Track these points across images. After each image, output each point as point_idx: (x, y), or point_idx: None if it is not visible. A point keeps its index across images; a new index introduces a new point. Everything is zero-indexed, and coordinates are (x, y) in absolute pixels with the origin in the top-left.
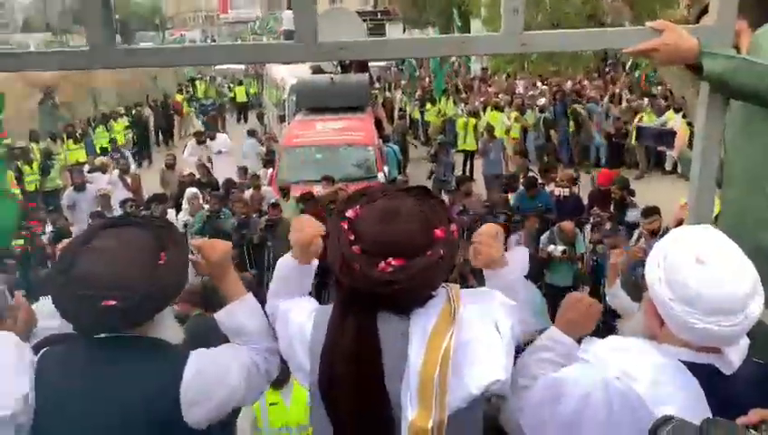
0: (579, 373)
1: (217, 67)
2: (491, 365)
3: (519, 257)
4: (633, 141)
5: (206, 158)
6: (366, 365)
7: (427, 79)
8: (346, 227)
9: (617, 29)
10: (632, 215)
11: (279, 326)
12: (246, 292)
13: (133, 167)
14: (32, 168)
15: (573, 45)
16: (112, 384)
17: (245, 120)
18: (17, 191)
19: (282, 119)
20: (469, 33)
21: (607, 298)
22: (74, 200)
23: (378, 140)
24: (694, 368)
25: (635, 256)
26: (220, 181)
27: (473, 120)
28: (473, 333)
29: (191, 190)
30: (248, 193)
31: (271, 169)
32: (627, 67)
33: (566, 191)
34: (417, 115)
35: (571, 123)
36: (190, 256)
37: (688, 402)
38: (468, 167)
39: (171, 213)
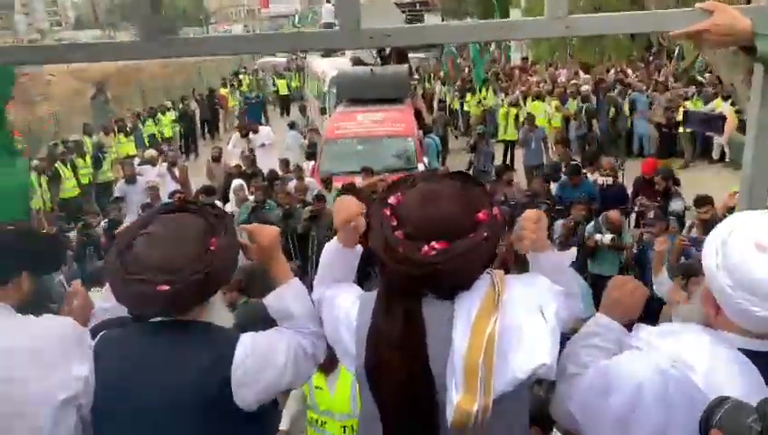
0: (632, 361)
1: (260, 61)
2: (536, 350)
3: (565, 254)
4: (681, 129)
5: (249, 150)
6: (411, 349)
7: (466, 69)
8: (388, 213)
9: (664, 11)
10: (676, 205)
11: (325, 312)
12: (293, 276)
13: (181, 159)
14: (85, 161)
15: (619, 28)
16: (166, 367)
17: (288, 113)
18: (73, 184)
19: (323, 111)
20: None
21: (654, 287)
22: (125, 192)
23: (418, 130)
24: (753, 356)
25: (681, 244)
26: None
27: (513, 110)
28: (518, 318)
29: (237, 182)
30: (292, 184)
31: (313, 162)
32: (674, 55)
33: (609, 180)
34: (456, 106)
35: (611, 111)
36: (240, 240)
37: (747, 390)
38: (509, 157)
39: (218, 205)
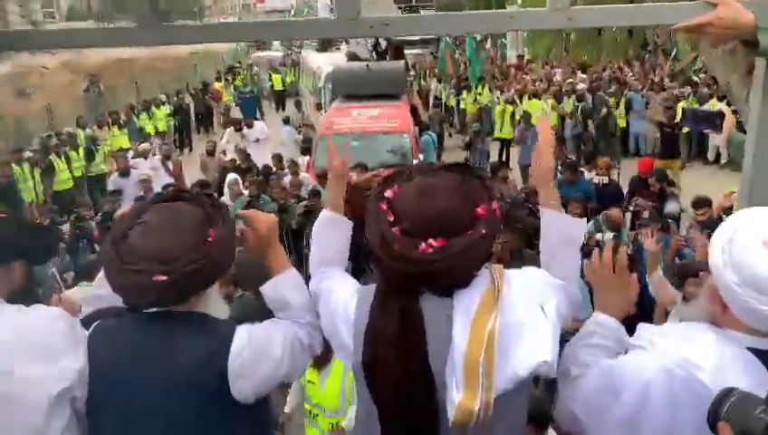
0: (638, 361)
1: (255, 55)
2: (537, 347)
3: (577, 219)
4: (684, 130)
5: (243, 145)
6: (408, 347)
7: (462, 66)
8: (385, 207)
9: (667, 3)
10: (672, 206)
11: (322, 304)
12: (290, 266)
13: (175, 153)
14: (78, 154)
15: (621, 21)
16: (162, 358)
17: (283, 109)
18: (67, 176)
19: (318, 106)
20: None
21: (649, 287)
22: (119, 185)
23: (413, 127)
24: (760, 354)
25: (677, 244)
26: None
27: (509, 108)
28: (518, 315)
29: (231, 176)
30: (287, 179)
31: (308, 157)
32: (670, 54)
33: (605, 179)
34: (452, 103)
35: (603, 111)
36: (238, 226)
37: (755, 389)
38: (504, 155)
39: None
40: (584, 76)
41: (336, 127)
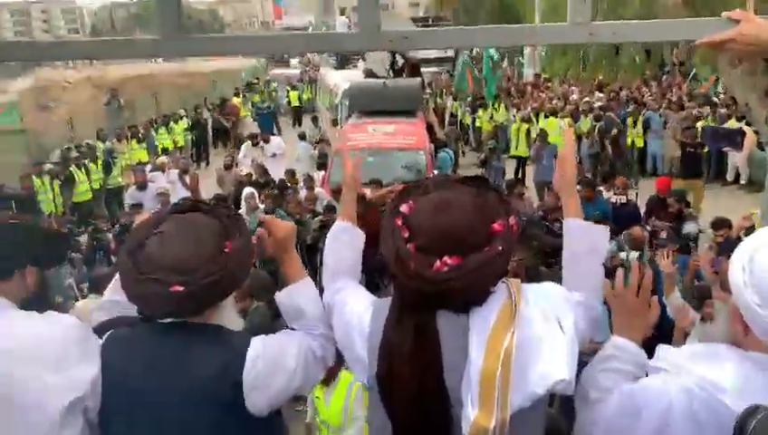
0: (658, 384)
1: (273, 72)
2: (555, 364)
3: (599, 227)
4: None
5: (260, 160)
6: (425, 362)
7: (483, 82)
8: (400, 222)
9: (690, 19)
10: (690, 227)
11: (336, 317)
12: (306, 275)
13: (192, 167)
14: (97, 166)
15: (643, 36)
16: (176, 369)
17: (300, 124)
18: (86, 188)
19: (334, 123)
20: None
21: (667, 308)
22: (137, 198)
23: (429, 144)
24: None
25: (695, 265)
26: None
27: (525, 126)
28: (535, 331)
29: (248, 190)
30: (302, 194)
31: (323, 172)
32: (689, 76)
33: (623, 198)
34: (468, 121)
35: (614, 131)
36: (259, 230)
37: None
38: (520, 173)
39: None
40: (601, 95)
41: (352, 142)
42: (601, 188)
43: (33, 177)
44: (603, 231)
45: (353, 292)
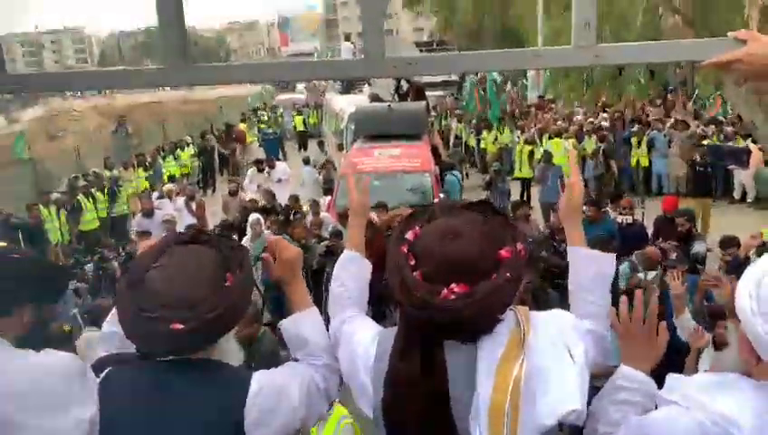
0: (670, 418)
1: (279, 97)
2: (565, 394)
3: (605, 254)
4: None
5: (267, 185)
6: (431, 393)
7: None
8: (406, 250)
9: (696, 40)
10: (699, 247)
11: (342, 348)
12: (312, 304)
13: (199, 194)
14: (104, 194)
15: (649, 57)
16: (177, 409)
17: (305, 149)
18: (94, 217)
19: (340, 147)
20: None
21: (677, 329)
22: (143, 226)
23: (434, 166)
24: None
25: (704, 285)
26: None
27: (527, 148)
28: (545, 360)
29: (254, 216)
30: (308, 219)
31: (329, 197)
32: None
33: (629, 218)
34: (473, 143)
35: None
36: (263, 255)
37: None
38: (525, 195)
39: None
40: (606, 115)
41: (358, 166)
42: (607, 208)
43: (41, 206)
44: (609, 259)
45: (360, 323)
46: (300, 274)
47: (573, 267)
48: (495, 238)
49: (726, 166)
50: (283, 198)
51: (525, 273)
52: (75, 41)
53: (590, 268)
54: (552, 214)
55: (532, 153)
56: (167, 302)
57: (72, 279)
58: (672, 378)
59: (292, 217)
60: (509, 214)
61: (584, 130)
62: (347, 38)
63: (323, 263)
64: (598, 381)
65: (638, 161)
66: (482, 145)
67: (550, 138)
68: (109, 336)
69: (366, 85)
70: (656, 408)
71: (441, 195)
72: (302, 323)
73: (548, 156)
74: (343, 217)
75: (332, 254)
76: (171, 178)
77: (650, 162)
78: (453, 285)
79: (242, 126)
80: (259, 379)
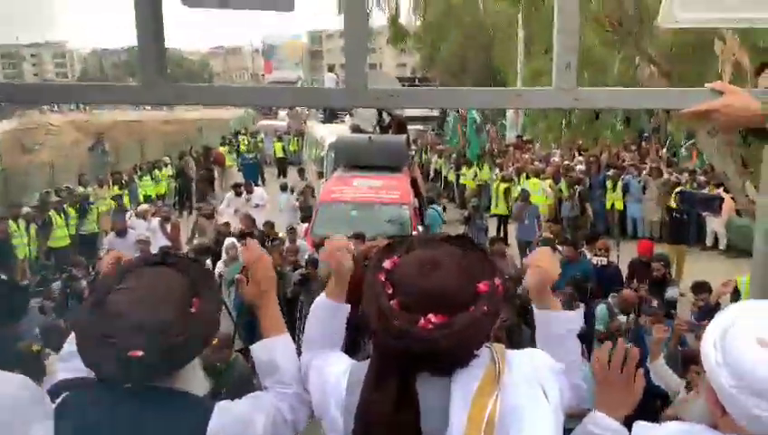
0: None
1: (260, 123)
2: (538, 433)
3: (575, 313)
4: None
5: (243, 210)
6: (404, 427)
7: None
8: (383, 278)
9: (675, 88)
10: (672, 292)
11: (312, 381)
12: (285, 330)
13: (174, 215)
14: (76, 211)
15: (628, 103)
16: None
17: (284, 175)
18: (64, 233)
19: (320, 175)
20: None
21: (651, 374)
22: (115, 246)
23: (414, 199)
24: None
25: (679, 330)
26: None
27: (503, 186)
28: (519, 399)
29: (229, 240)
30: (285, 246)
31: (307, 224)
32: (665, 142)
33: (604, 260)
34: (452, 178)
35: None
36: (237, 276)
37: None
38: (502, 232)
39: (207, 263)
40: (581, 158)
41: (336, 196)
42: (583, 249)
43: (10, 220)
44: (575, 317)
45: (331, 355)
46: (274, 296)
47: (539, 327)
48: (474, 271)
49: (699, 213)
50: (259, 224)
51: (502, 308)
52: (56, 55)
53: (558, 329)
54: (528, 251)
55: (507, 190)
56: (127, 326)
57: (36, 297)
58: (639, 426)
59: (269, 243)
60: (487, 249)
61: (560, 172)
62: (330, 69)
63: (298, 292)
64: (570, 422)
65: (612, 205)
66: (461, 180)
67: (527, 177)
68: (68, 357)
69: (348, 116)
70: None
71: (419, 227)
72: (274, 349)
73: (525, 195)
74: (320, 245)
75: (307, 282)
76: (147, 199)
77: (625, 206)
78: (431, 315)
79: (221, 149)
80: (222, 411)
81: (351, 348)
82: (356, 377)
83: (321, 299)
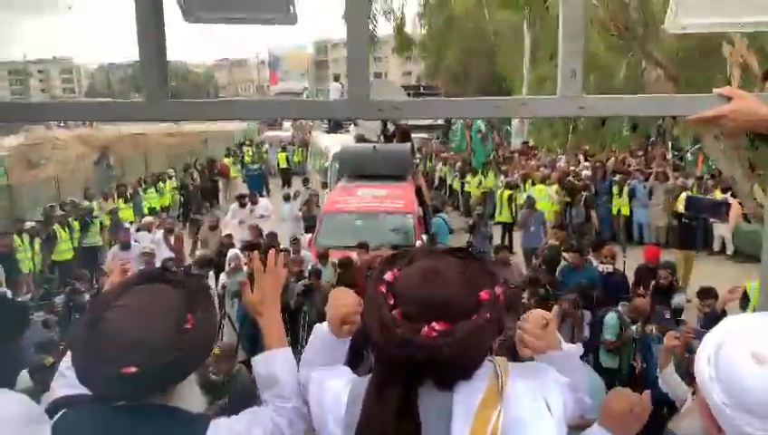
0: None
1: (265, 134)
2: None
3: (576, 347)
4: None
5: (248, 221)
6: None
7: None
8: (384, 289)
9: (682, 95)
10: (679, 298)
11: (312, 395)
12: (286, 344)
13: (178, 227)
14: (80, 224)
15: (634, 110)
16: None
17: (289, 186)
18: (69, 247)
19: (324, 185)
20: None
21: (659, 382)
22: (120, 258)
23: (418, 208)
24: None
25: (686, 337)
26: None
27: (507, 193)
28: (522, 411)
29: (233, 251)
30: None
31: (310, 234)
32: (671, 146)
33: (610, 267)
34: (457, 186)
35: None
36: (240, 278)
37: None
38: (507, 239)
39: (210, 275)
40: (587, 164)
41: (340, 206)
42: (589, 256)
43: (14, 235)
44: (575, 351)
45: (332, 370)
46: (278, 306)
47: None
48: (475, 280)
49: (706, 218)
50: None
51: (504, 317)
52: (63, 71)
53: (562, 365)
54: (534, 259)
55: (511, 197)
56: (122, 343)
57: (39, 311)
58: None
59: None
60: (491, 258)
61: (566, 178)
62: (336, 78)
63: (301, 302)
64: (574, 433)
65: (619, 210)
66: (466, 188)
67: (533, 184)
68: (67, 372)
69: (352, 126)
70: None
71: (423, 236)
72: (274, 362)
73: (531, 201)
74: (323, 256)
75: (311, 293)
76: (152, 211)
77: (631, 211)
78: (434, 323)
79: (226, 160)
80: (217, 426)
81: (354, 359)
82: (356, 392)
83: (324, 331)
